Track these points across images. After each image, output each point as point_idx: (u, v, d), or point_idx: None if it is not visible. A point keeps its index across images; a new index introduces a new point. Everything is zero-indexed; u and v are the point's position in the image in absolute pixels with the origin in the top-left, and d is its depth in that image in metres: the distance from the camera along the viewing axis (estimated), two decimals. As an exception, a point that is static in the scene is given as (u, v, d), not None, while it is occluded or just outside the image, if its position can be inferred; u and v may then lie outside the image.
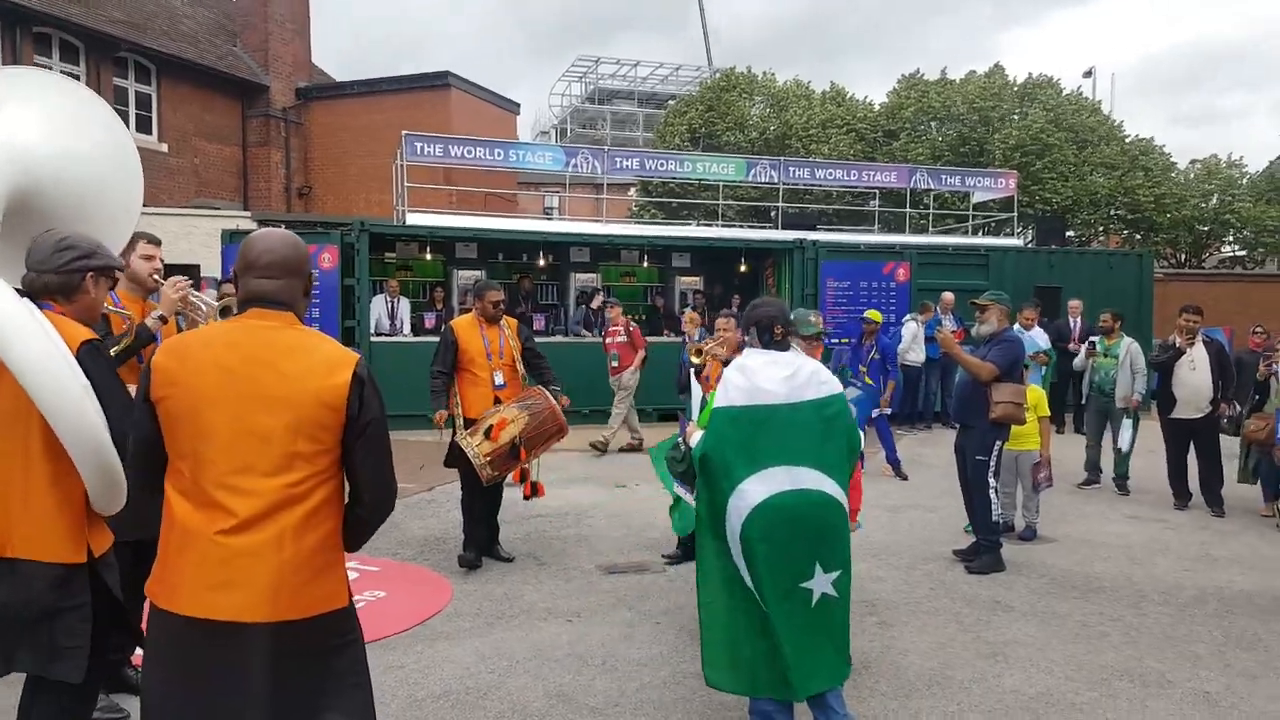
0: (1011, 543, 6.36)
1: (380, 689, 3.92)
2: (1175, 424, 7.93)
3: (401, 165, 14.12)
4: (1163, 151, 26.48)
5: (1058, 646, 4.59)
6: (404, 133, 14.16)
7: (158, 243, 3.95)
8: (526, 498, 5.82)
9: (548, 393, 5.43)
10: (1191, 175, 28.35)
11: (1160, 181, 25.29)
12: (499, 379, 5.67)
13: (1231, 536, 7.04)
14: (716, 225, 19.13)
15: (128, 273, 3.57)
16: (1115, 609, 5.20)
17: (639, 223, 22.57)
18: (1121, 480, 8.56)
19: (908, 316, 12.30)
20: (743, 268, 14.76)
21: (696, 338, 9.32)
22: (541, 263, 14.73)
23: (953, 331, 8.36)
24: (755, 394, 3.22)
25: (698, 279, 15.17)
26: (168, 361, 2.11)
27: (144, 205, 3.74)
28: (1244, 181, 28.54)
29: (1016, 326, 9.26)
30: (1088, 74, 30.97)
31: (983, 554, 5.91)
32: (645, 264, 15.32)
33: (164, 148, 19.44)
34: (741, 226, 20.15)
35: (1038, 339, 10.40)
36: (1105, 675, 4.24)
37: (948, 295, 12.22)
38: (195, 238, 15.35)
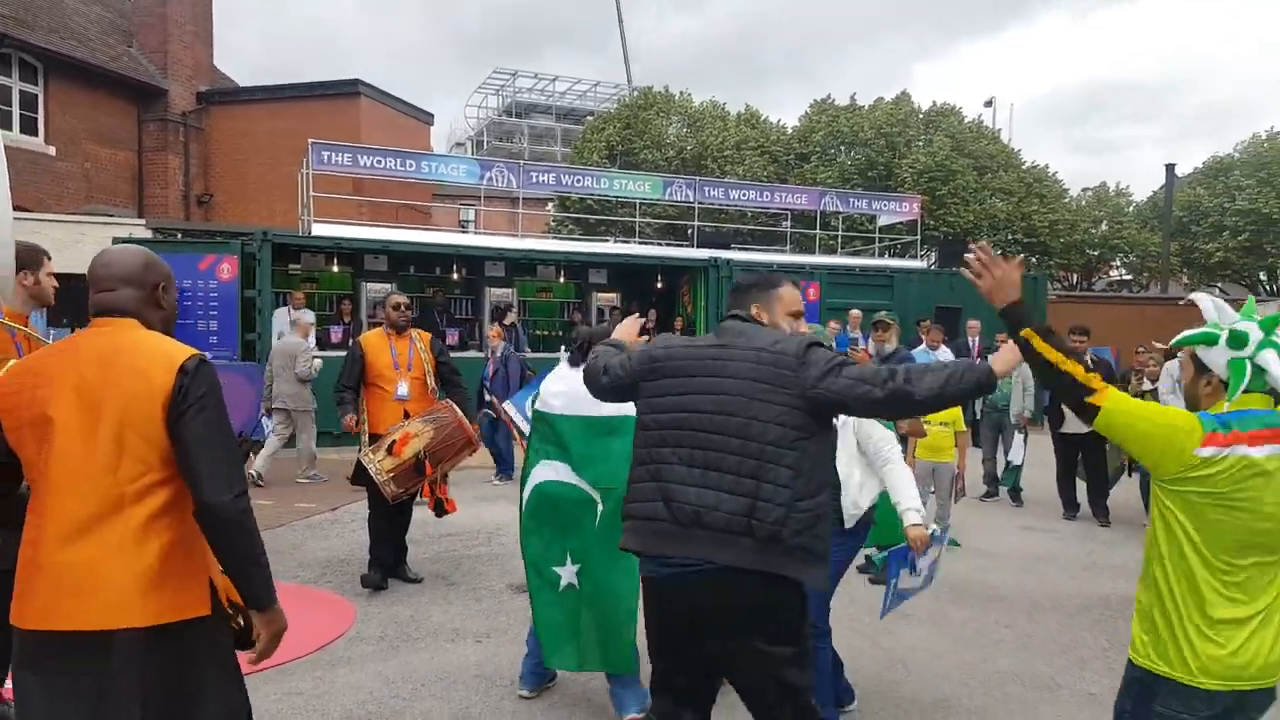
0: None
1: (276, 717, 3.79)
2: (1064, 438, 8.32)
3: (308, 174, 13.74)
4: (1056, 179, 27.89)
5: (955, 654, 4.73)
6: (311, 141, 13.79)
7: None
8: (436, 514, 5.68)
9: (455, 406, 5.33)
10: (1083, 202, 29.97)
11: (1054, 208, 26.61)
12: (402, 389, 5.54)
13: (1116, 546, 7.40)
14: (634, 242, 19.23)
15: (33, 291, 3.35)
16: (1009, 616, 5.40)
17: (556, 238, 22.52)
18: (1015, 492, 8.92)
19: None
20: (659, 285, 14.86)
21: (499, 352, 9.34)
22: (455, 276, 14.53)
23: (861, 349, 8.57)
24: (544, 402, 3.83)
25: (615, 295, 15.20)
26: (15, 374, 2.17)
27: (28, 211, 3.52)
28: (1130, 209, 30.32)
29: (923, 346, 9.59)
30: (988, 104, 32.43)
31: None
32: (562, 280, 15.29)
33: (51, 150, 18.44)
34: (659, 244, 20.32)
35: (942, 357, 10.77)
36: (999, 680, 4.40)
37: (855, 313, 12.55)
38: (84, 245, 14.52)
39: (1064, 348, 2.24)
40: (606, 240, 20.82)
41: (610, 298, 15.16)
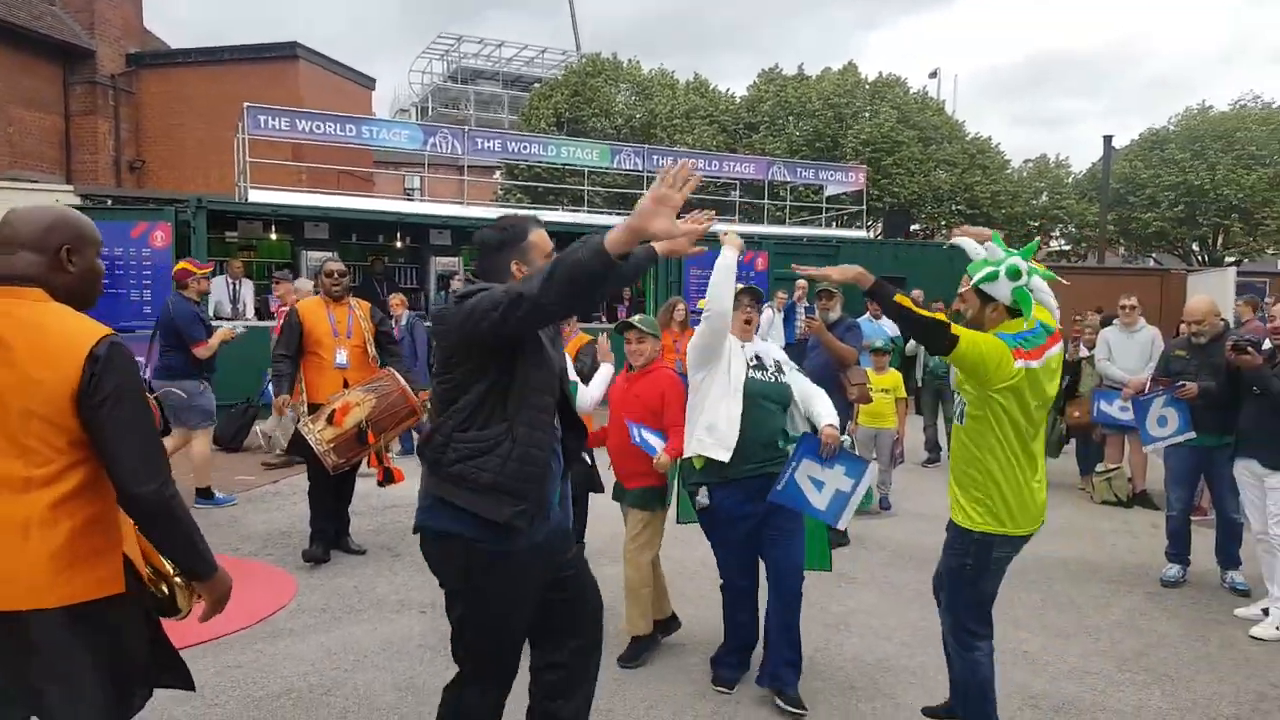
0: (861, 517, 6.64)
1: (213, 690, 3.72)
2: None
3: (243, 139, 13.31)
4: (999, 151, 28.33)
5: (896, 614, 4.82)
6: (246, 104, 13.35)
7: None
8: (380, 483, 5.57)
9: (397, 373, 5.24)
10: (1024, 174, 30.52)
11: (996, 179, 27.07)
12: (341, 357, 5.43)
13: (1051, 509, 7.37)
14: (583, 211, 19.06)
15: None
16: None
17: (503, 206, 22.22)
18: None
19: (765, 305, 12.63)
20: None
21: (405, 320, 9.17)
22: (399, 245, 14.26)
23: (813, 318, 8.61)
24: None
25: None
26: None
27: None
28: (1069, 181, 30.97)
29: (867, 315, 9.67)
30: (933, 75, 32.76)
31: (831, 529, 6.14)
32: (508, 248, 15.08)
33: (-29, 113, 17.63)
34: (608, 213, 20.18)
35: (885, 328, 10.89)
36: (937, 641, 4.43)
37: (802, 282, 12.59)
38: (8, 212, 13.98)
39: (921, 308, 3.05)
40: (555, 209, 20.61)
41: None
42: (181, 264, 6.95)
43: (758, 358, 3.84)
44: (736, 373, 3.71)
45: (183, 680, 2.34)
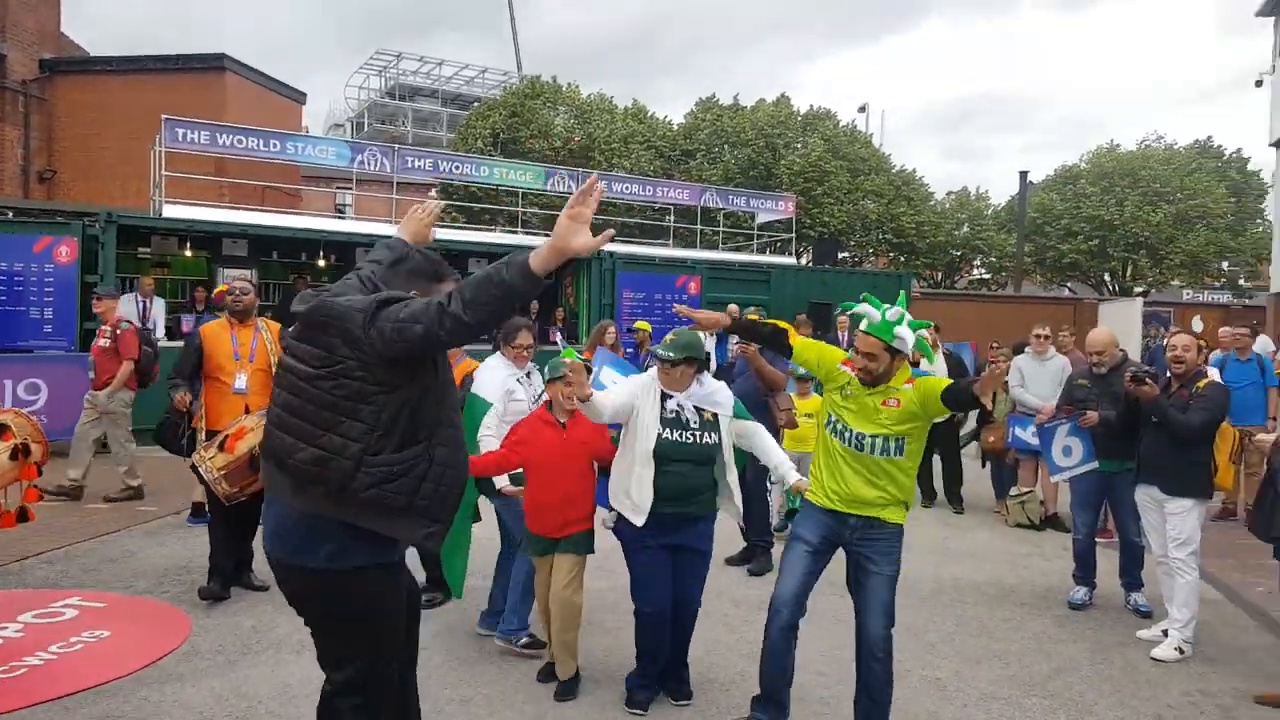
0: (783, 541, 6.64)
1: (83, 747, 3.45)
2: (920, 430, 8.66)
3: (160, 152, 12.85)
4: (923, 182, 29.19)
5: (813, 643, 4.74)
6: (164, 116, 12.91)
7: None
8: None
9: None
10: (947, 205, 31.47)
11: (921, 210, 27.83)
12: (239, 382, 5.19)
13: (967, 532, 7.75)
14: (520, 232, 18.93)
15: None
16: (863, 603, 5.51)
17: (436, 226, 21.88)
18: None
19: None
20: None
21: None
22: (322, 263, 13.91)
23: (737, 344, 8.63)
24: None
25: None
26: None
27: None
28: (989, 213, 32.06)
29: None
30: (862, 109, 33.60)
31: (758, 555, 6.13)
32: (437, 269, 14.86)
33: None
34: (545, 235, 20.04)
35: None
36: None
37: (732, 307, 12.65)
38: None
39: (770, 325, 3.62)
40: (491, 230, 20.43)
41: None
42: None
43: (677, 413, 3.77)
44: (645, 439, 3.71)
45: None
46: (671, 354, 3.76)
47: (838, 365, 3.48)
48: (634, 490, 3.69)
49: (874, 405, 3.39)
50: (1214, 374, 7.80)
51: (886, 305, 3.36)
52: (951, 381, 3.46)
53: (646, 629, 3.89)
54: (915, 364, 3.46)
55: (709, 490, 3.82)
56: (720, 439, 3.82)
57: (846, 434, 3.42)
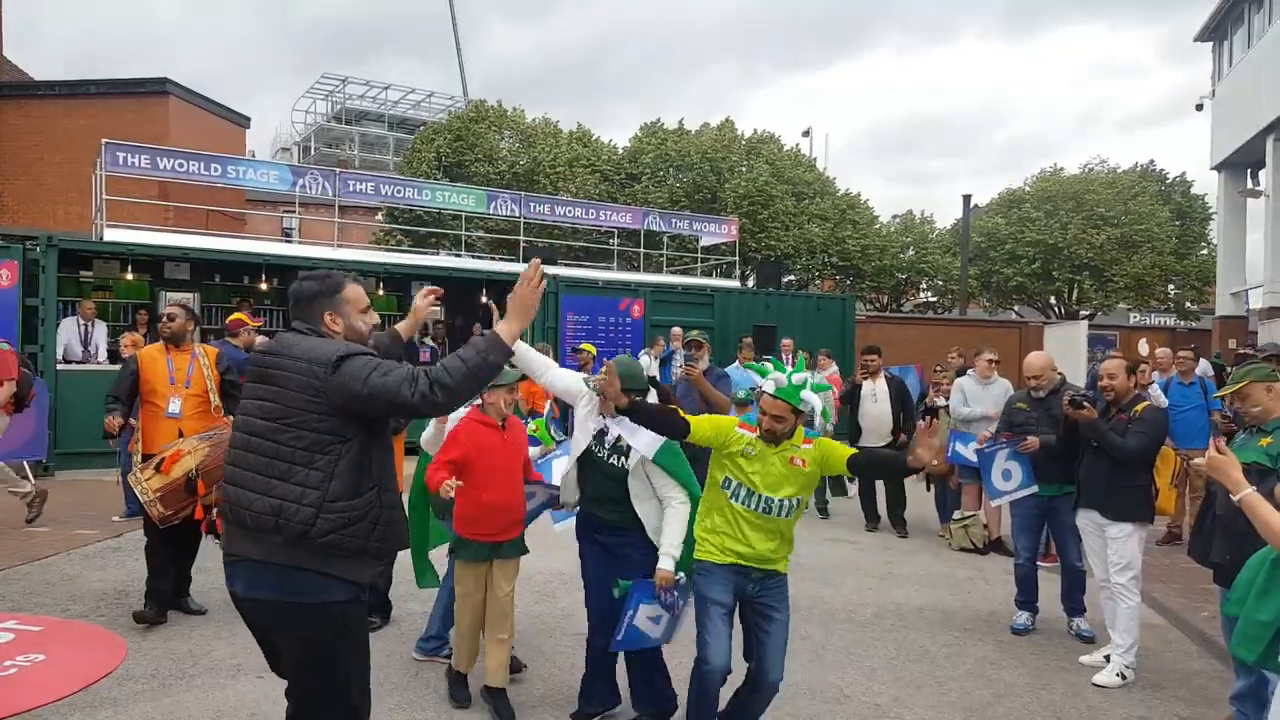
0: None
1: (12, 771, 3.43)
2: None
3: (100, 176, 12.71)
4: (868, 206, 29.72)
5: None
6: (104, 140, 12.78)
7: None
8: (206, 534, 5.27)
9: None
10: (892, 229, 32.10)
11: (866, 234, 28.33)
12: (173, 406, 5.19)
13: (911, 555, 7.82)
14: (466, 256, 18.95)
15: None
16: (806, 628, 5.56)
17: (380, 249, 21.84)
18: (823, 505, 9.38)
19: (642, 351, 12.82)
20: (485, 300, 14.70)
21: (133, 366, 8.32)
22: (265, 286, 13.81)
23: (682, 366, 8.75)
24: None
25: (438, 308, 14.90)
26: None
27: None
28: (934, 236, 32.75)
29: (736, 363, 9.93)
30: (806, 134, 34.16)
31: None
32: (382, 292, 14.82)
33: None
34: (491, 258, 20.11)
35: (753, 378, 11.18)
36: (790, 694, 4.45)
37: (677, 330, 12.86)
38: None
39: (661, 409, 3.66)
40: (436, 253, 20.41)
41: (433, 311, 14.85)
42: (236, 315, 7.46)
43: (601, 435, 3.91)
44: (578, 444, 3.99)
45: None
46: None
47: (734, 430, 3.57)
48: (568, 480, 4.13)
49: (780, 465, 3.53)
50: (1158, 396, 8.01)
51: (791, 370, 3.56)
52: (855, 451, 3.66)
53: (591, 628, 4.10)
54: (809, 423, 3.64)
55: (624, 503, 3.86)
56: (628, 468, 3.86)
57: (753, 498, 3.53)
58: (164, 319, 5.41)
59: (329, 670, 2.58)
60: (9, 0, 21.33)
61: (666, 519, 3.81)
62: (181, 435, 5.10)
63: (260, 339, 7.16)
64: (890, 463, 3.57)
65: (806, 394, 3.51)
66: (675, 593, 3.73)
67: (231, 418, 5.14)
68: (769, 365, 3.60)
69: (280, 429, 2.48)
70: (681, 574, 3.72)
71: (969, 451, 7.40)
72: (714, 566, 3.57)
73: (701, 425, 3.55)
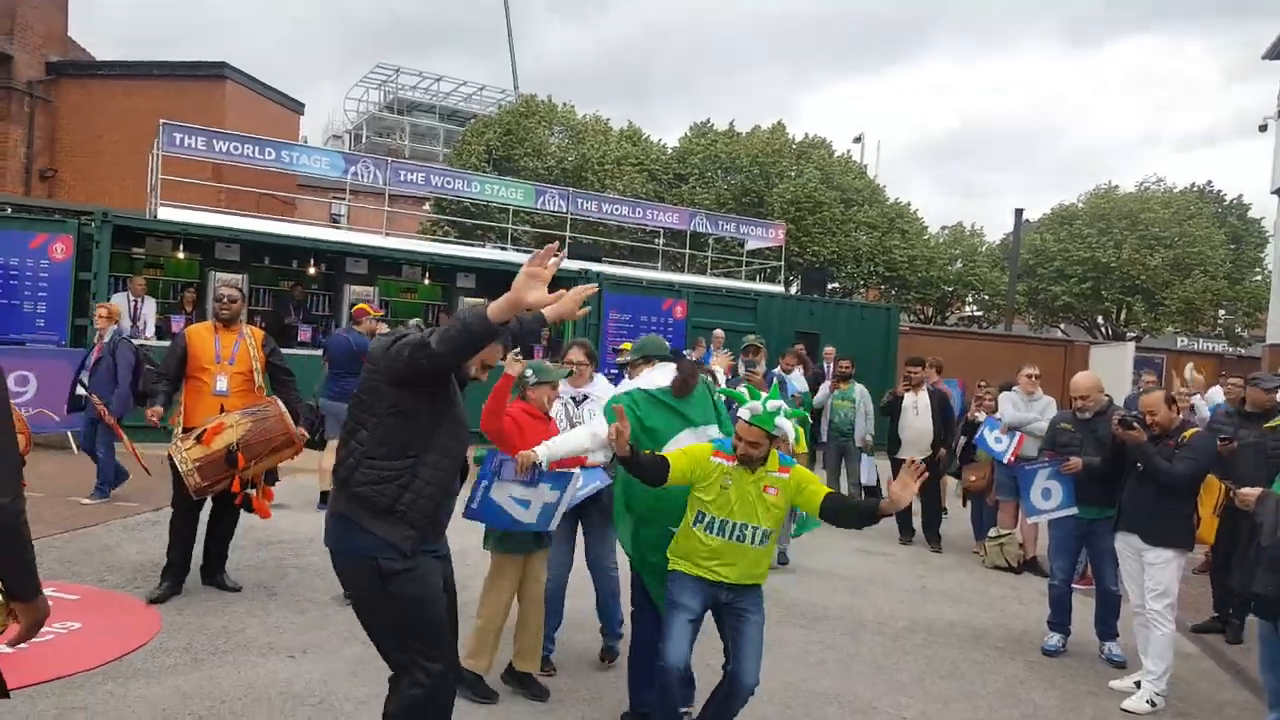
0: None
1: (45, 736, 3.48)
2: (901, 464, 8.66)
3: (157, 155, 12.98)
4: (917, 216, 29.33)
5: (778, 674, 4.79)
6: (161, 121, 13.05)
7: None
8: (237, 506, 5.32)
9: (279, 402, 5.06)
10: (941, 240, 31.65)
11: (914, 244, 27.95)
12: (220, 384, 5.25)
13: (946, 571, 7.70)
14: (511, 249, 19.04)
15: None
16: (834, 638, 5.53)
17: (427, 239, 22.04)
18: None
19: (685, 351, 12.76)
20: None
21: (108, 338, 7.75)
22: (313, 271, 13.99)
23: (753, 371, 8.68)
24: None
25: (483, 300, 14.96)
26: None
27: None
28: (983, 249, 32.23)
29: (777, 369, 9.84)
30: (857, 139, 33.92)
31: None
32: (427, 281, 14.95)
33: None
34: (534, 252, 20.15)
35: (795, 382, 11.08)
36: (818, 702, 4.47)
37: (719, 332, 12.78)
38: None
39: (650, 457, 3.64)
40: (482, 245, 20.53)
41: (478, 302, 14.93)
42: (361, 304, 8.08)
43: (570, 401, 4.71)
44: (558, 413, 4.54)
45: None
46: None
47: (709, 460, 3.64)
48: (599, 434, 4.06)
49: (756, 493, 3.61)
50: (1202, 409, 7.75)
51: (765, 395, 3.69)
52: (830, 492, 3.68)
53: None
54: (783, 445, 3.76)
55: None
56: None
57: (727, 527, 3.60)
58: (224, 300, 5.48)
59: (366, 621, 2.88)
60: (76, -19, 21.94)
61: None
62: (223, 410, 5.16)
63: (382, 327, 7.66)
64: (864, 515, 3.61)
65: (780, 420, 3.64)
66: (544, 478, 3.87)
67: (274, 398, 5.22)
68: (744, 392, 3.78)
69: (362, 399, 2.87)
70: (543, 456, 3.79)
71: (991, 439, 7.60)
72: (686, 575, 3.69)
73: (679, 462, 3.63)
